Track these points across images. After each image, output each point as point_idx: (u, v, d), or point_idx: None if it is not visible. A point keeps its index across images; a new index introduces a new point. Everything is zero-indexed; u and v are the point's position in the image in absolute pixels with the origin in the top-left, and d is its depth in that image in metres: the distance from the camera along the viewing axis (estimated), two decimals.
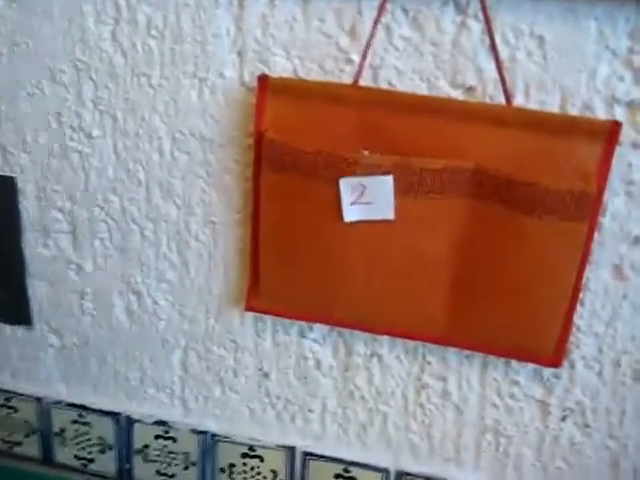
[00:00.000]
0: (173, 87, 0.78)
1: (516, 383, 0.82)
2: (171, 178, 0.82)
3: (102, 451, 0.99)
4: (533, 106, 0.70)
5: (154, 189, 0.83)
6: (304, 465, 0.91)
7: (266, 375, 0.89)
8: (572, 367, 0.80)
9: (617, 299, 0.76)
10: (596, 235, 0.72)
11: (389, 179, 0.70)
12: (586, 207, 0.68)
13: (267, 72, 0.74)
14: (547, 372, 0.81)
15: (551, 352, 0.77)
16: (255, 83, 0.73)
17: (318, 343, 0.86)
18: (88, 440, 0.99)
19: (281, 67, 0.75)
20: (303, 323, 0.85)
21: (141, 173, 0.83)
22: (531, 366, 0.81)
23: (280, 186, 0.74)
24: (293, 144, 0.71)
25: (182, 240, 0.85)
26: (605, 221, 0.73)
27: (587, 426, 0.82)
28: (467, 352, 0.82)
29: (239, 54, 0.75)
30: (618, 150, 0.68)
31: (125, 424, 0.96)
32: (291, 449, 0.91)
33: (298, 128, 0.73)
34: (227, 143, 0.79)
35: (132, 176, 0.83)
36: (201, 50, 0.76)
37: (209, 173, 0.81)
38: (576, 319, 0.76)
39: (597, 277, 0.75)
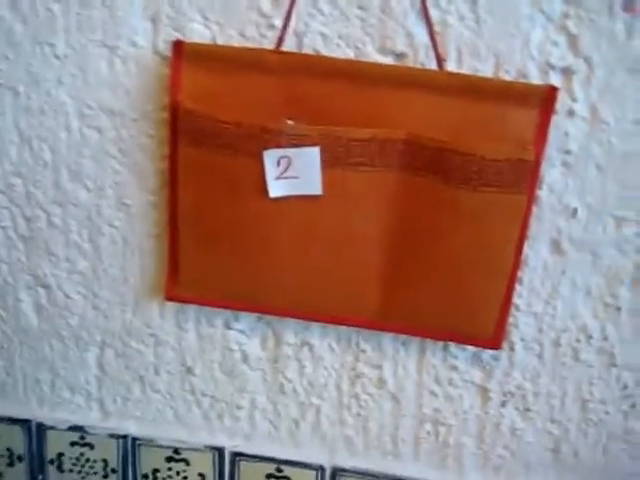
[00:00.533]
0: (80, 57, 0.71)
1: (455, 368, 0.79)
2: (80, 158, 0.75)
3: (11, 463, 0.90)
4: (466, 72, 0.67)
5: (62, 170, 0.76)
6: (234, 466, 0.85)
7: (190, 370, 0.83)
8: (511, 349, 0.77)
9: (556, 275, 0.73)
10: (534, 209, 0.69)
11: (315, 150, 0.66)
12: (525, 177, 0.65)
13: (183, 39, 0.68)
14: (486, 355, 0.78)
15: (490, 333, 0.73)
16: (170, 50, 0.67)
17: (245, 334, 0.80)
18: None
19: (198, 34, 0.69)
20: (228, 313, 0.79)
21: (47, 153, 0.76)
22: (470, 350, 0.77)
23: (199, 162, 0.69)
24: (212, 115, 0.66)
25: (94, 226, 0.78)
26: (542, 194, 0.70)
27: (528, 410, 0.79)
28: (403, 338, 0.78)
29: (152, 20, 0.69)
30: (554, 119, 0.66)
31: (36, 432, 0.88)
32: (219, 450, 0.85)
33: (217, 98, 0.67)
34: (141, 117, 0.73)
35: (37, 157, 0.76)
36: (110, 16, 0.70)
37: (122, 151, 0.74)
38: (515, 298, 0.73)
39: (535, 253, 0.73)
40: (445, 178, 0.66)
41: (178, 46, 0.67)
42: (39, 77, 0.73)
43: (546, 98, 0.64)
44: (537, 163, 0.66)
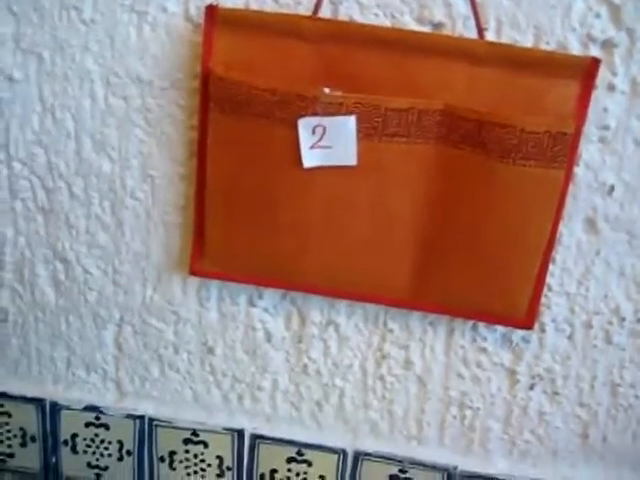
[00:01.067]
0: (108, 23, 0.70)
1: (483, 350, 0.77)
2: (105, 127, 0.73)
3: (23, 444, 0.88)
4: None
5: (85, 140, 0.74)
6: (253, 449, 0.83)
7: (211, 350, 0.81)
8: (542, 330, 0.75)
9: (590, 255, 0.72)
10: (570, 186, 0.68)
11: (352, 119, 0.64)
12: (564, 151, 0.64)
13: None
14: (516, 337, 0.76)
15: (523, 313, 0.72)
16: (202, 17, 0.66)
17: (268, 312, 0.79)
18: (8, 432, 0.88)
19: (231, 0, 0.67)
20: (252, 290, 0.77)
21: (70, 122, 0.74)
22: (500, 331, 0.76)
23: (230, 131, 0.67)
24: (245, 82, 0.64)
25: (117, 198, 0.76)
26: (578, 170, 0.68)
27: (556, 394, 0.78)
28: (431, 318, 0.76)
29: None
30: (593, 94, 0.64)
31: (50, 411, 0.86)
32: (239, 432, 0.83)
33: (251, 65, 0.65)
34: (170, 86, 0.71)
35: (60, 126, 0.74)
36: None
37: (148, 121, 0.72)
38: (547, 277, 0.71)
39: (570, 231, 0.71)
40: (483, 151, 0.64)
41: (211, 11, 0.65)
42: (64, 43, 0.71)
43: (588, 70, 0.63)
44: (576, 137, 0.64)
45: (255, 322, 0.79)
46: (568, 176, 0.66)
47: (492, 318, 0.73)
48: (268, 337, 0.80)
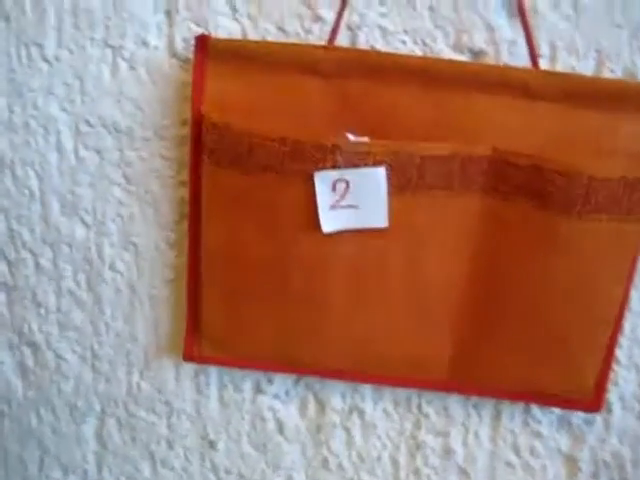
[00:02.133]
0: (76, 61, 0.58)
1: (537, 434, 0.65)
2: (76, 186, 0.61)
3: None
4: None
5: (52, 202, 0.62)
6: None
7: (212, 444, 0.68)
8: (608, 410, 0.63)
9: None
10: None
11: (381, 171, 0.52)
12: None
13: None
14: (577, 418, 0.64)
15: (589, 393, 0.60)
16: (190, 50, 0.54)
17: (280, 399, 0.66)
18: None
19: (225, 30, 0.56)
20: (260, 374, 0.64)
21: (33, 180, 0.61)
22: (556, 412, 0.63)
23: (228, 189, 0.54)
24: (247, 129, 0.52)
25: (93, 270, 0.63)
26: None
27: None
28: (475, 399, 0.64)
29: (167, 13, 0.56)
30: None
31: None
32: None
33: (253, 108, 0.54)
34: (153, 135, 0.59)
35: (21, 185, 0.62)
36: (114, 8, 0.56)
37: (128, 177, 0.60)
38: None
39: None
40: (542, 204, 0.52)
41: (202, 42, 0.53)
42: (23, 86, 0.59)
43: None
44: None
45: (264, 411, 0.66)
46: None
47: (550, 400, 0.61)
48: (280, 428, 0.67)
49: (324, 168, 0.51)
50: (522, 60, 0.54)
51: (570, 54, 0.54)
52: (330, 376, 0.61)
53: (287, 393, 0.65)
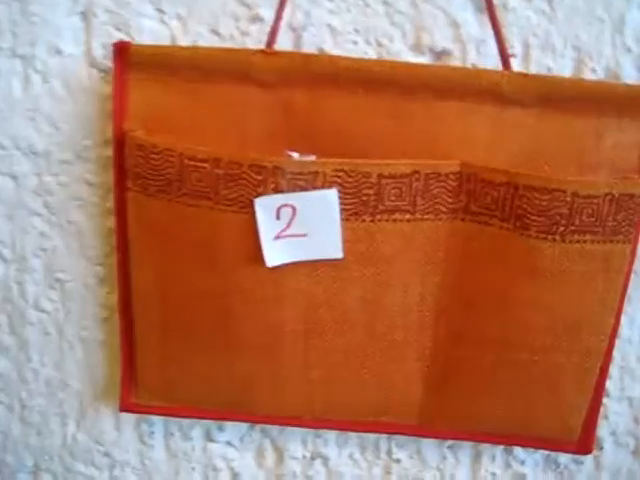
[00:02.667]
0: None
1: (522, 477, 0.59)
2: None
3: None
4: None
5: None
6: None
7: None
8: (599, 447, 0.57)
9: None
10: None
11: (332, 194, 0.45)
12: (630, 218, 0.46)
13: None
14: (564, 458, 0.58)
15: (577, 433, 0.53)
16: (110, 59, 0.46)
17: (234, 446, 0.59)
18: None
19: (151, 34, 0.48)
20: (210, 421, 0.57)
21: None
22: (541, 451, 0.57)
23: (158, 219, 0.47)
24: (175, 149, 0.45)
25: (15, 311, 0.56)
26: None
27: None
28: (451, 441, 0.57)
29: (83, 16, 0.48)
30: None
31: None
32: None
33: (182, 125, 0.46)
34: (75, 158, 0.51)
35: None
36: (21, 12, 0.48)
37: (49, 206, 0.53)
38: None
39: (630, 319, 0.54)
40: (520, 226, 0.45)
41: (121, 50, 0.45)
42: None
43: None
44: None
45: (216, 460, 0.59)
46: (634, 250, 0.48)
47: (534, 443, 0.54)
48: (235, 479, 0.59)
49: (265, 193, 0.44)
50: (492, 61, 0.47)
51: (546, 53, 0.48)
52: (288, 423, 0.54)
53: (241, 440, 0.58)
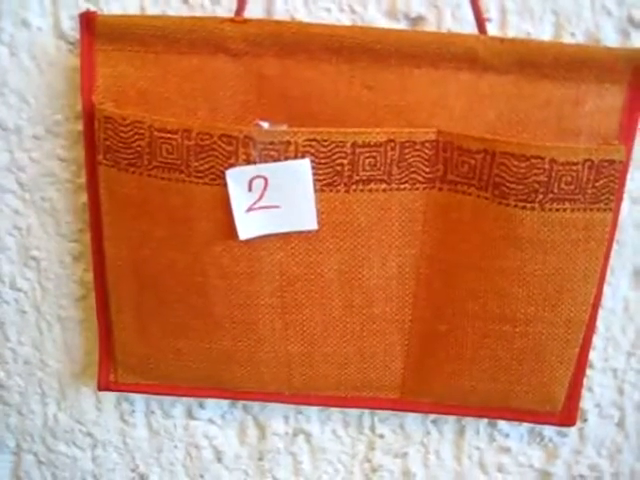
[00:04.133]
0: None
1: (506, 450, 0.58)
2: None
3: None
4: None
5: None
6: None
7: (143, 477, 0.60)
8: (583, 419, 0.57)
9: None
10: None
11: (305, 164, 0.44)
12: (610, 186, 0.45)
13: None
14: (548, 430, 0.57)
15: (560, 404, 0.52)
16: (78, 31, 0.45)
17: (215, 424, 0.58)
18: None
19: (120, 4, 0.47)
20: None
21: None
22: (525, 424, 0.56)
23: (129, 193, 0.46)
24: (145, 121, 0.44)
25: None
26: (622, 207, 0.49)
27: None
28: (434, 415, 0.56)
29: None
30: None
31: None
32: None
33: (152, 96, 0.46)
34: (46, 133, 0.50)
35: None
36: None
37: (22, 183, 0.52)
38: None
39: (613, 289, 0.53)
40: (497, 194, 0.45)
41: (88, 21, 0.44)
42: None
43: (638, 70, 0.44)
44: (626, 165, 0.45)
45: (198, 438, 0.59)
46: (615, 218, 0.47)
47: (518, 416, 0.54)
48: (218, 456, 0.59)
49: (237, 164, 0.43)
50: (468, 26, 0.46)
51: (523, 18, 0.46)
52: (268, 399, 0.53)
53: (223, 417, 0.58)
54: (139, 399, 0.58)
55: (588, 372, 0.54)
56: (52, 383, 0.58)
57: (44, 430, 0.59)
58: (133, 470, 0.60)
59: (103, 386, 0.53)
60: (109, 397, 0.58)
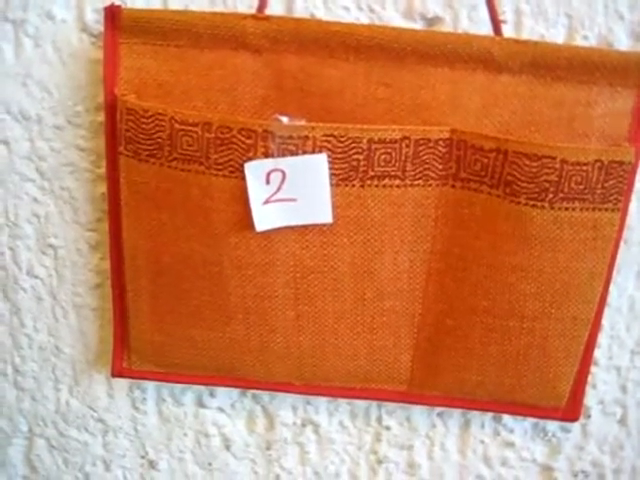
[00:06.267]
0: None
1: (510, 445, 0.59)
2: None
3: None
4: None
5: None
6: None
7: (152, 464, 0.61)
8: (586, 415, 0.58)
9: None
10: None
11: (322, 159, 0.45)
12: (619, 187, 0.46)
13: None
14: (552, 426, 0.58)
15: (565, 400, 0.53)
16: (102, 24, 0.46)
17: (225, 413, 0.59)
18: None
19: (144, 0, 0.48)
20: (201, 386, 0.58)
21: None
22: (529, 419, 0.58)
23: (149, 184, 0.47)
24: (166, 113, 0.45)
25: (9, 277, 0.56)
26: (631, 207, 0.50)
27: None
28: (440, 408, 0.57)
29: None
30: None
31: None
32: None
33: (173, 89, 0.47)
34: (67, 124, 0.51)
35: None
36: None
37: (42, 172, 0.53)
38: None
39: (620, 289, 0.54)
40: (508, 192, 0.46)
41: (112, 14, 0.45)
42: None
43: None
44: (635, 166, 0.46)
45: (208, 426, 0.60)
46: (623, 218, 0.48)
47: (522, 410, 0.55)
48: (227, 444, 0.60)
49: (255, 157, 0.44)
50: (483, 28, 0.47)
51: (538, 20, 0.48)
52: (278, 389, 0.54)
53: (232, 406, 0.59)
54: (151, 387, 0.59)
55: (592, 369, 0.55)
56: (66, 369, 0.59)
57: (56, 415, 0.60)
58: (143, 457, 0.61)
59: (117, 372, 0.54)
60: (121, 384, 0.59)
